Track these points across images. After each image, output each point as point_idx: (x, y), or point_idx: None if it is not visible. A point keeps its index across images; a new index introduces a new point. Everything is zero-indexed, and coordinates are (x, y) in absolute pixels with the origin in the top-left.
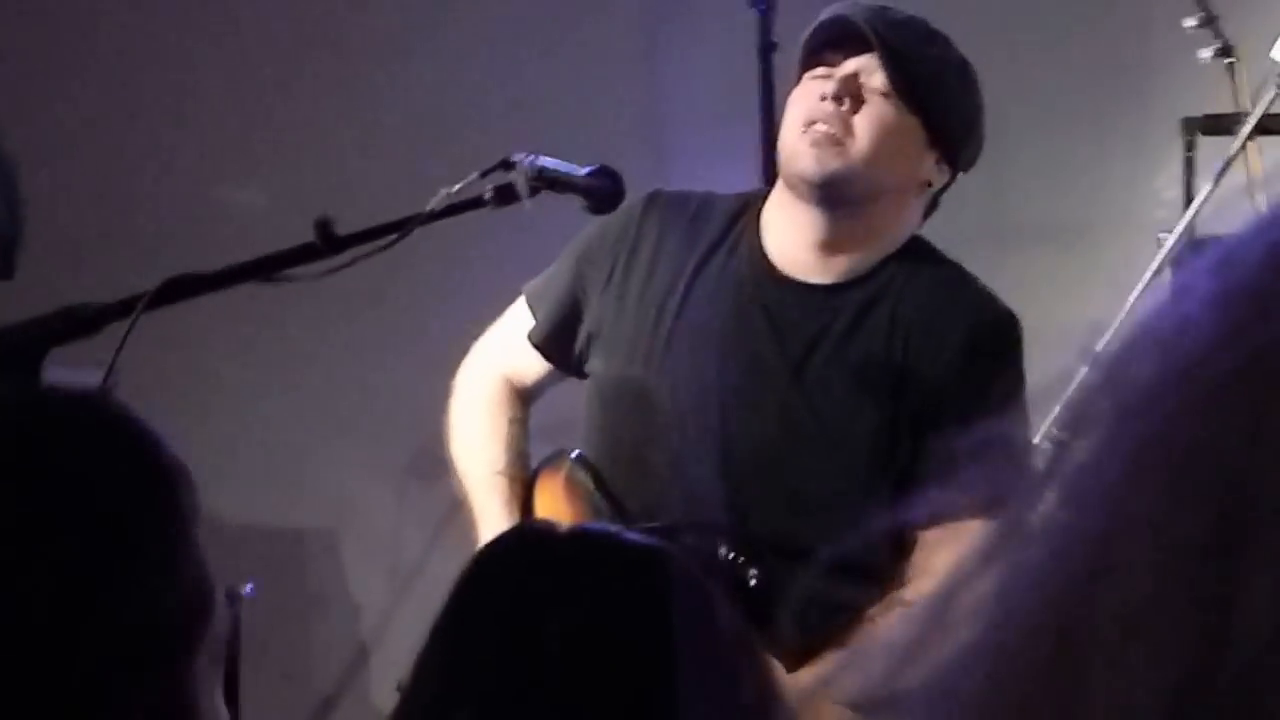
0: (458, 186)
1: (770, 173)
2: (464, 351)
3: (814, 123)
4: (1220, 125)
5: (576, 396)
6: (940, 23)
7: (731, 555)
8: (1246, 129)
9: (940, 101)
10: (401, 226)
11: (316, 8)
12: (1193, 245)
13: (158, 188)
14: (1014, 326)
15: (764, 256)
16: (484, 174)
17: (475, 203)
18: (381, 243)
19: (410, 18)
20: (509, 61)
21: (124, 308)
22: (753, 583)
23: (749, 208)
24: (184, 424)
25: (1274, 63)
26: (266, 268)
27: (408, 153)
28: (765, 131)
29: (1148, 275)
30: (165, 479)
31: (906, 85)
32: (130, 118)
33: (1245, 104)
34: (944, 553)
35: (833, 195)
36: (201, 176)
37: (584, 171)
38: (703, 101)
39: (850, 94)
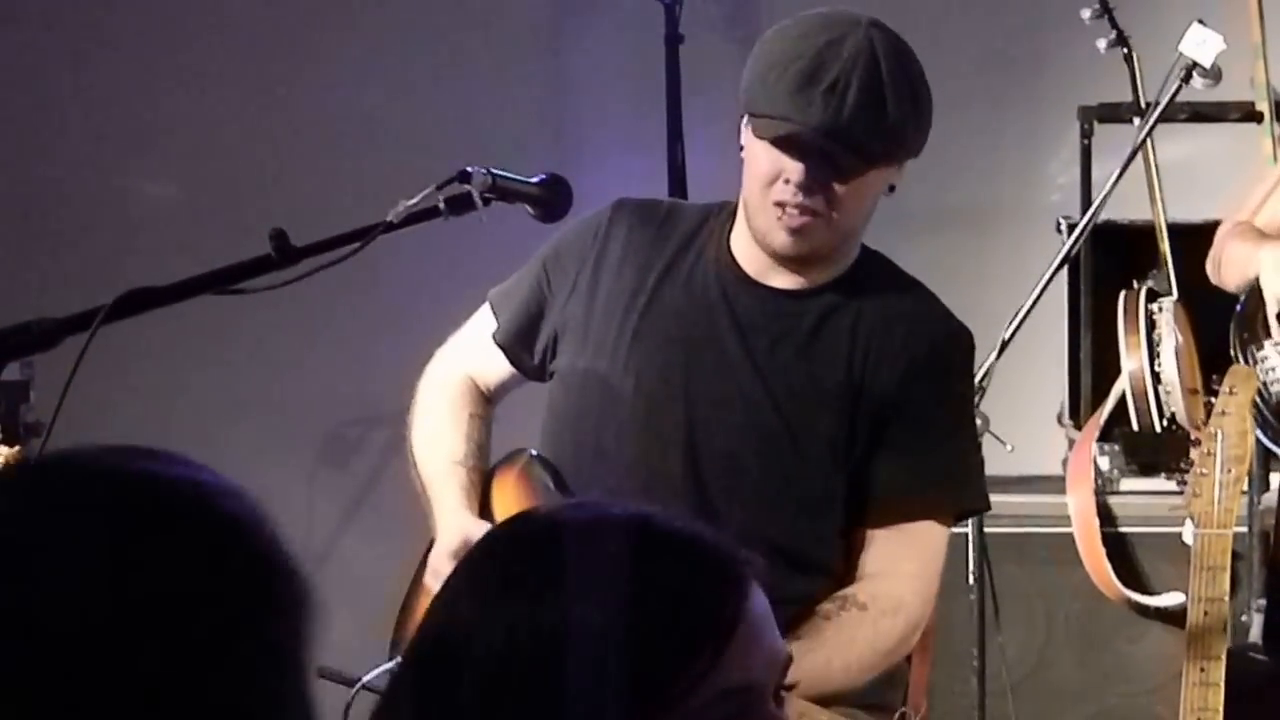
0: (416, 199)
1: (676, 161)
2: (374, 339)
3: (786, 205)
4: (1116, 113)
5: (538, 400)
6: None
7: None
8: (1153, 117)
9: (909, 147)
10: (360, 236)
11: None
12: (1096, 230)
13: (69, 176)
14: (971, 343)
15: (732, 261)
16: (440, 186)
17: (431, 213)
18: (339, 253)
19: (310, 16)
20: (411, 55)
21: (81, 321)
22: None
23: (715, 215)
24: (95, 409)
25: (1180, 55)
26: (222, 280)
27: (312, 145)
28: (671, 123)
29: (1056, 260)
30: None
31: (883, 162)
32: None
33: (1142, 93)
34: (898, 552)
35: (807, 260)
36: (111, 166)
37: (534, 181)
38: (609, 94)
39: (822, 177)
